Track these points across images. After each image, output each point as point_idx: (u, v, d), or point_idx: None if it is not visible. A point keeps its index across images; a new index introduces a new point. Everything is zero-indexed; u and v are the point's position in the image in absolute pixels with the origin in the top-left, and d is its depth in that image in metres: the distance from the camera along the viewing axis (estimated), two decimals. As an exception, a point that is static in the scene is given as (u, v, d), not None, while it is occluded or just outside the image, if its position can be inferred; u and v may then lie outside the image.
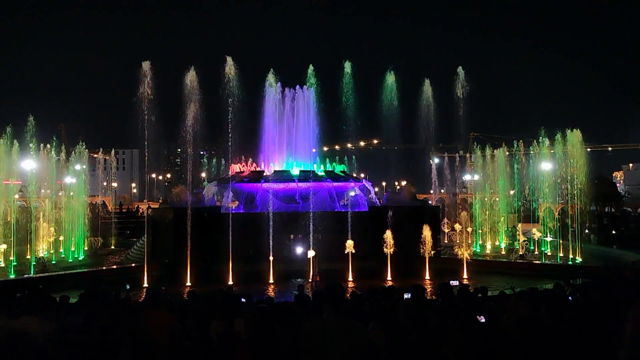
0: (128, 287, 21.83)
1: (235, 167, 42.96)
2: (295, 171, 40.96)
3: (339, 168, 43.11)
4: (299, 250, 35.87)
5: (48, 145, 48.87)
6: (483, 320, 9.31)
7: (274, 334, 6.45)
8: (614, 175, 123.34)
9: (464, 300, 10.89)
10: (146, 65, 34.57)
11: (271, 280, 33.54)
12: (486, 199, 55.19)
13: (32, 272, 34.68)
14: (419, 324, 6.15)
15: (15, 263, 35.95)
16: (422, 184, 49.68)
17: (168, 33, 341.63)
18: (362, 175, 64.83)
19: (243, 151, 45.46)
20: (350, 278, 33.72)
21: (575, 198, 42.70)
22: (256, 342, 6.43)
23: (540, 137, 47.56)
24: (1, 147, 40.52)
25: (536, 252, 43.68)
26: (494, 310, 9.51)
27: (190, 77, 36.23)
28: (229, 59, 37.31)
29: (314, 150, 44.63)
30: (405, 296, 12.64)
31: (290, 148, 43.14)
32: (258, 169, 42.76)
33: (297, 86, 42.49)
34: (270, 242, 34.25)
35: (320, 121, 42.06)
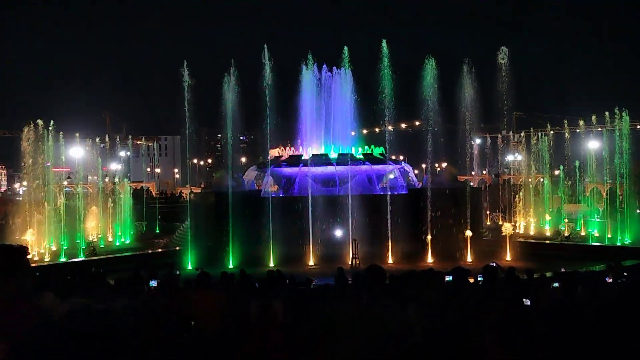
0: (178, 272, 22.26)
1: (274, 152, 43.25)
2: (334, 154, 40.89)
3: (377, 151, 42.73)
4: (339, 233, 35.99)
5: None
6: (528, 302, 9.15)
7: (309, 315, 6.50)
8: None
9: (507, 284, 10.70)
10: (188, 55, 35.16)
11: (311, 263, 33.87)
12: (530, 180, 53.92)
13: (81, 255, 36.06)
14: (454, 306, 6.07)
15: (65, 246, 37.46)
16: (463, 165, 48.66)
17: (206, 20, 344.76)
18: (402, 157, 64.20)
19: (282, 135, 45.68)
20: (390, 261, 33.66)
21: (625, 177, 41.18)
22: (292, 323, 6.50)
23: (589, 116, 45.94)
24: (50, 135, 41.97)
25: (583, 234, 42.51)
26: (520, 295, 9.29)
27: (229, 63, 36.58)
28: (266, 45, 37.38)
29: (352, 133, 44.36)
30: (447, 279, 12.51)
31: (328, 131, 43.03)
32: (296, 153, 42.89)
33: (334, 68, 42.13)
34: (310, 225, 34.54)
35: (359, 104, 41.66)
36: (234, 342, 6.98)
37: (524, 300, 8.75)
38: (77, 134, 47.39)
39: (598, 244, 38.41)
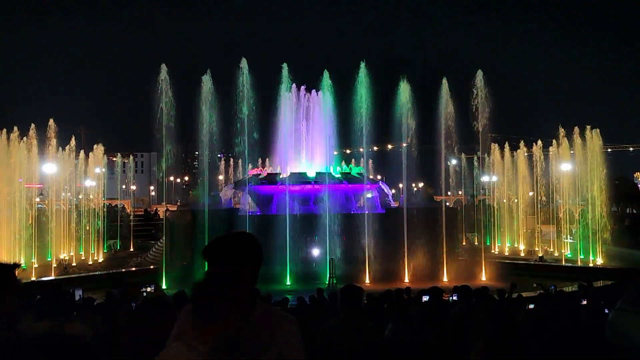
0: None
1: (252, 170, 43.10)
2: (312, 173, 40.93)
3: (355, 170, 42.92)
4: (316, 252, 35.88)
5: (67, 148, 49.38)
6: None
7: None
8: (635, 175, 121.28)
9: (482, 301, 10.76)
10: (163, 69, 35.09)
11: (288, 283, 33.63)
12: (504, 201, 54.69)
13: (53, 274, 35.21)
14: (434, 320, 6.09)
15: (36, 265, 36.54)
16: (439, 185, 48.99)
17: (184, 35, 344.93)
18: (379, 177, 64.48)
19: (260, 154, 45.58)
20: (367, 280, 33.61)
21: (596, 199, 42.11)
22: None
23: (559, 137, 47.07)
24: (22, 150, 41.04)
25: (556, 254, 43.15)
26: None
27: (207, 79, 36.53)
28: (244, 61, 37.38)
29: (335, 152, 44.42)
30: (424, 299, 12.54)
31: (307, 150, 43.09)
32: (275, 171, 42.81)
33: (313, 90, 42.40)
34: (287, 243, 34.36)
35: (338, 123, 41.75)
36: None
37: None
38: (50, 149, 46.35)
39: (571, 264, 39.04)
